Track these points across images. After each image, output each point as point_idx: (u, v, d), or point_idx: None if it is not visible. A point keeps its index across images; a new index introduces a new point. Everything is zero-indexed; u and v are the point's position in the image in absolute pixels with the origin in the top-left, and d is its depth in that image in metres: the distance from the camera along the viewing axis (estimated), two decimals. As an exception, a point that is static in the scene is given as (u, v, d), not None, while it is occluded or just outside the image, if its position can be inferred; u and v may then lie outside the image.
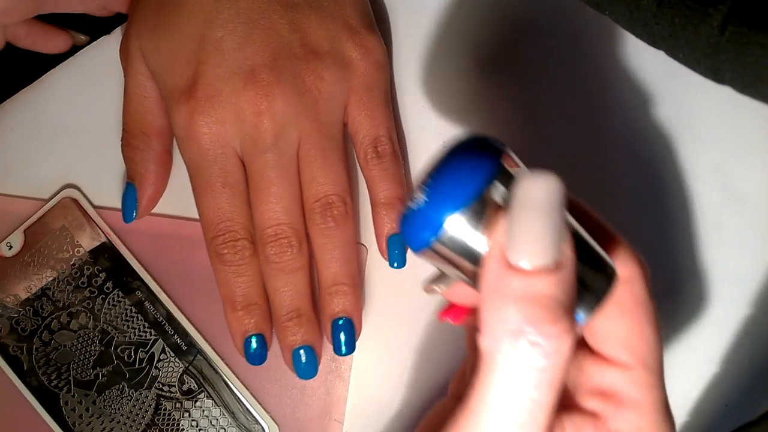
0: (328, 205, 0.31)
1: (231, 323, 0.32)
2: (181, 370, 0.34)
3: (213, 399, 0.34)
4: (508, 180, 0.21)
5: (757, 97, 0.25)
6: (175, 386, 0.34)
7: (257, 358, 0.32)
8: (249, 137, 0.31)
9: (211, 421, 0.34)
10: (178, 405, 0.34)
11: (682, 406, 0.34)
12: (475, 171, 0.21)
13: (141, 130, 0.33)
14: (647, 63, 0.34)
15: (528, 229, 0.19)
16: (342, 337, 0.32)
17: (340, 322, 0.32)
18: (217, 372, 0.34)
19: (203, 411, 0.34)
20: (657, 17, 0.25)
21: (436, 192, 0.21)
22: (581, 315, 0.21)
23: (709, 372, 0.34)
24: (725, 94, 0.26)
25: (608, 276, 0.22)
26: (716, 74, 0.25)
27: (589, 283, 0.21)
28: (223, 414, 0.34)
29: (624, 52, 0.35)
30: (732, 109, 0.34)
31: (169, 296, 0.34)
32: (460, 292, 0.25)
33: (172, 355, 0.34)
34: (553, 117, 0.35)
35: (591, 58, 0.35)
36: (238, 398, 0.34)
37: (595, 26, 0.35)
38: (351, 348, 0.32)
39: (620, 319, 0.23)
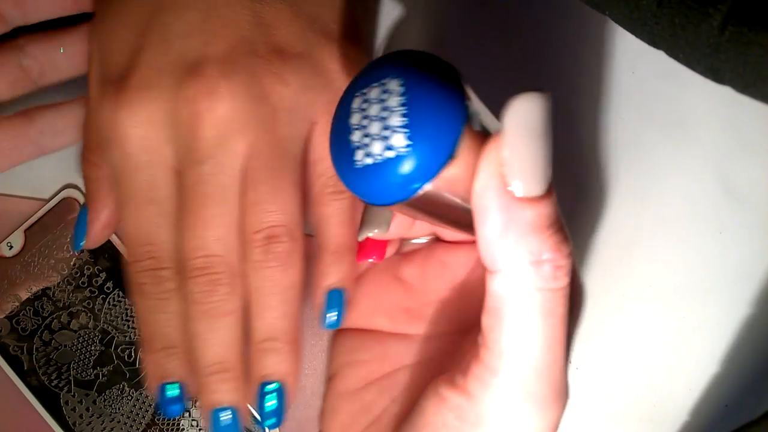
0: (272, 239, 0.25)
1: (147, 365, 0.27)
2: (181, 370, 0.34)
3: (213, 399, 0.34)
4: (471, 109, 0.19)
5: (757, 97, 0.25)
6: (175, 386, 0.34)
7: (174, 409, 0.27)
8: (184, 144, 0.25)
9: (211, 421, 0.34)
10: (178, 405, 0.34)
11: (682, 406, 0.34)
12: (457, 108, 0.19)
13: (98, 143, 0.28)
14: (647, 63, 0.34)
15: (531, 154, 0.18)
16: (269, 405, 0.27)
17: (269, 387, 0.26)
18: (217, 372, 0.34)
19: (203, 411, 0.34)
20: (657, 17, 0.25)
21: (422, 135, 0.18)
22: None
23: (709, 372, 0.34)
24: (725, 94, 0.26)
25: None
26: (716, 74, 0.25)
27: None
28: (224, 414, 0.34)
29: (624, 51, 0.35)
30: (732, 109, 0.34)
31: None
32: (395, 231, 0.25)
33: (173, 355, 0.34)
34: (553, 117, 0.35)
35: (591, 58, 0.35)
36: (239, 398, 0.34)
37: (595, 26, 0.35)
38: (279, 419, 0.27)
39: None
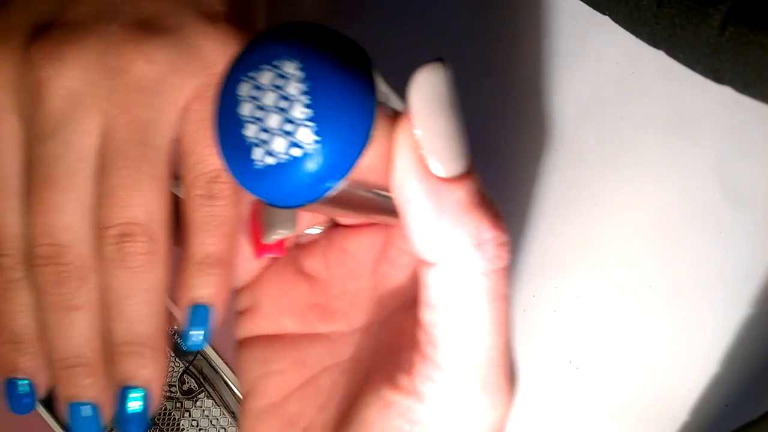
0: (126, 237, 0.22)
1: None
2: (181, 370, 0.34)
3: (213, 399, 0.34)
4: (380, 92, 0.17)
5: (757, 97, 0.25)
6: (175, 386, 0.34)
7: (22, 405, 0.25)
8: (30, 115, 0.22)
9: (211, 421, 0.34)
10: (178, 405, 0.34)
11: (682, 406, 0.34)
12: (367, 93, 0.17)
13: None
14: (647, 63, 0.34)
15: (445, 129, 0.17)
16: (130, 411, 0.24)
17: (130, 393, 0.24)
18: (217, 372, 0.34)
19: (203, 411, 0.34)
20: (657, 17, 0.25)
21: (331, 129, 0.16)
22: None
23: (709, 372, 0.34)
24: (725, 94, 0.26)
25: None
26: (716, 74, 0.25)
27: None
28: (224, 414, 0.34)
29: (624, 51, 0.35)
30: (732, 109, 0.34)
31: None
32: (301, 227, 0.24)
33: (172, 355, 0.34)
34: (552, 116, 0.35)
35: (590, 57, 0.35)
36: (239, 398, 0.34)
37: (595, 26, 0.35)
38: (141, 425, 0.24)
39: None
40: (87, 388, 0.24)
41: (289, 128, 0.16)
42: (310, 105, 0.16)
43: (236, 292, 0.26)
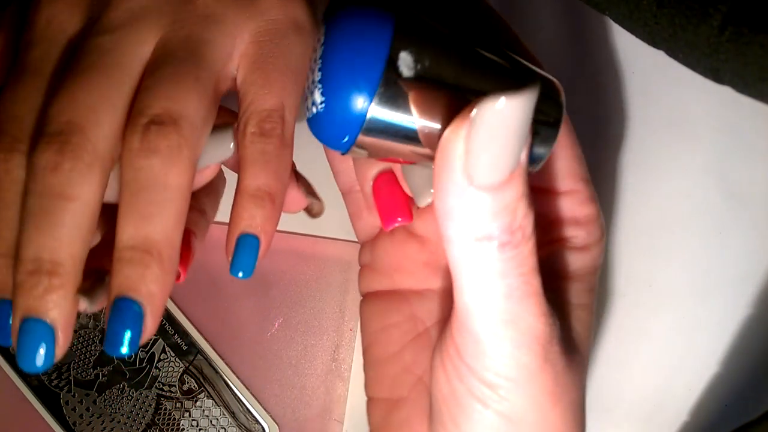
0: (155, 126, 0.21)
1: None
2: (181, 370, 0.34)
3: (213, 399, 0.34)
4: (411, 39, 0.18)
5: (757, 97, 0.25)
6: (175, 386, 0.34)
7: (44, 359, 0.20)
8: (92, 19, 0.22)
9: (211, 421, 0.34)
10: (178, 405, 0.34)
11: (682, 406, 0.34)
12: (373, 55, 0.18)
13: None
14: (647, 63, 0.34)
15: (500, 150, 0.18)
16: (123, 331, 0.21)
17: (123, 306, 0.20)
18: (217, 372, 0.34)
19: (203, 411, 0.34)
20: (657, 17, 0.25)
21: (331, 91, 0.18)
22: (536, 163, 0.22)
23: (709, 372, 0.34)
24: (725, 94, 0.26)
25: (558, 105, 0.22)
26: (716, 74, 0.25)
27: (543, 119, 0.21)
28: (224, 414, 0.34)
29: (624, 51, 0.35)
30: (732, 109, 0.34)
31: (169, 296, 0.34)
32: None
33: (172, 355, 0.34)
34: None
35: (590, 58, 0.35)
36: (238, 398, 0.34)
37: (595, 26, 0.35)
38: (132, 347, 0.21)
39: (559, 150, 0.24)
40: (52, 305, 0.20)
41: (312, 87, 0.19)
42: (321, 68, 0.19)
43: (360, 248, 0.28)
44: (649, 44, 0.27)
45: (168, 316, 0.34)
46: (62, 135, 0.20)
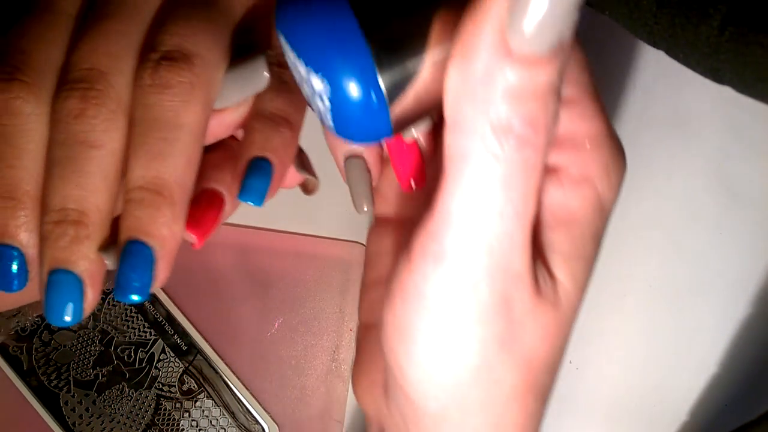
0: (167, 62, 0.20)
1: None
2: (181, 370, 0.34)
3: (213, 399, 0.34)
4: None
5: (757, 97, 0.25)
6: (175, 386, 0.34)
7: (6, 282, 0.20)
8: None
9: (211, 421, 0.34)
10: (178, 405, 0.34)
11: (682, 406, 0.34)
12: (342, 24, 0.16)
13: None
14: (647, 63, 0.34)
15: (552, 11, 0.15)
16: (132, 273, 0.20)
17: (134, 250, 0.20)
18: (217, 372, 0.34)
19: (203, 411, 0.34)
20: (657, 17, 0.25)
21: (332, 72, 0.16)
22: None
23: (709, 372, 0.34)
24: (725, 94, 0.26)
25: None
26: (716, 74, 0.25)
27: None
28: (223, 414, 0.34)
29: (624, 52, 0.35)
30: (732, 109, 0.34)
31: (169, 296, 0.34)
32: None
33: (172, 355, 0.34)
34: (553, 117, 0.35)
35: (590, 58, 0.35)
36: (238, 398, 0.34)
37: (595, 26, 0.35)
38: (144, 292, 0.20)
39: None
40: (81, 256, 0.19)
41: (312, 97, 0.18)
42: (308, 70, 0.17)
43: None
44: (649, 44, 0.27)
45: (168, 316, 0.34)
46: (85, 82, 0.20)
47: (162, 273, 0.20)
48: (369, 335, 0.25)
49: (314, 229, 0.34)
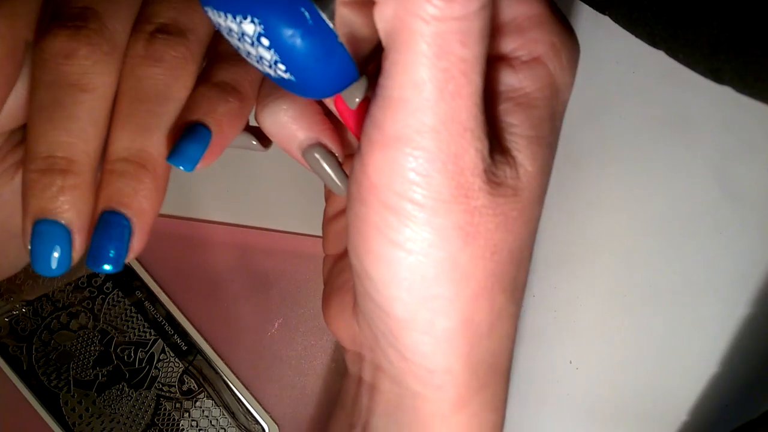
0: (162, 35, 0.19)
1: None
2: (181, 370, 0.34)
3: (213, 399, 0.34)
4: None
5: (757, 97, 0.25)
6: (175, 386, 0.34)
7: (58, 263, 0.19)
8: None
9: (211, 421, 0.34)
10: (178, 405, 0.34)
11: (682, 406, 0.34)
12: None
13: None
14: (647, 63, 0.34)
15: None
16: (108, 243, 0.19)
17: (111, 220, 0.19)
18: (217, 372, 0.34)
19: (203, 411, 0.34)
20: (657, 17, 0.25)
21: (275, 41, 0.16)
22: None
23: (709, 372, 0.34)
24: (725, 94, 0.26)
25: None
26: (716, 74, 0.25)
27: None
28: (223, 414, 0.34)
29: (624, 52, 0.35)
30: (732, 109, 0.34)
31: (169, 296, 0.34)
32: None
33: (172, 355, 0.34)
34: (553, 117, 0.35)
35: (590, 58, 0.35)
36: (238, 398, 0.34)
37: (595, 26, 0.35)
38: (117, 263, 0.19)
39: None
40: (68, 206, 0.19)
41: (261, 64, 0.18)
42: (252, 38, 0.17)
43: None
44: (649, 44, 0.27)
45: (168, 316, 0.34)
46: (79, 20, 0.18)
47: (137, 245, 0.20)
48: (335, 265, 0.25)
49: (314, 229, 0.34)
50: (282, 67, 0.17)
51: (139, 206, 0.19)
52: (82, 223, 0.19)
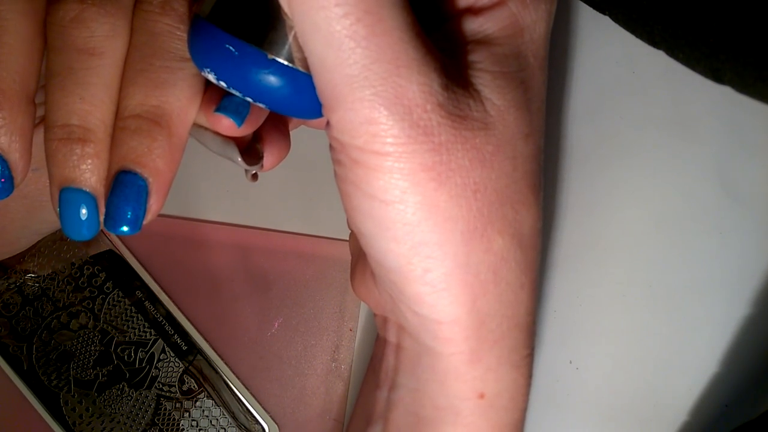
0: None
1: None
2: (181, 370, 0.34)
3: (213, 399, 0.34)
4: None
5: (757, 97, 0.25)
6: (175, 386, 0.34)
7: (86, 227, 0.19)
8: None
9: (211, 421, 0.34)
10: (178, 405, 0.34)
11: (682, 406, 0.34)
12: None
13: None
14: (647, 63, 0.34)
15: None
16: (125, 204, 0.19)
17: (126, 180, 0.19)
18: (217, 372, 0.34)
19: (203, 411, 0.34)
20: (657, 17, 0.25)
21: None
22: None
23: (709, 372, 0.34)
24: (725, 94, 0.26)
25: None
26: (716, 74, 0.25)
27: None
28: (223, 414, 0.34)
29: (624, 52, 0.35)
30: (732, 109, 0.34)
31: (169, 296, 0.34)
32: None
33: (172, 355, 0.34)
34: (552, 117, 0.35)
35: (590, 57, 0.35)
36: (238, 398, 0.34)
37: (595, 26, 0.35)
38: (134, 224, 0.19)
39: None
40: (89, 173, 0.19)
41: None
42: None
43: None
44: (649, 44, 0.27)
45: (168, 316, 0.34)
46: None
47: (155, 205, 0.19)
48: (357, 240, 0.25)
49: (314, 229, 0.34)
50: (249, 99, 0.19)
51: (154, 165, 0.19)
52: (103, 188, 0.19)
